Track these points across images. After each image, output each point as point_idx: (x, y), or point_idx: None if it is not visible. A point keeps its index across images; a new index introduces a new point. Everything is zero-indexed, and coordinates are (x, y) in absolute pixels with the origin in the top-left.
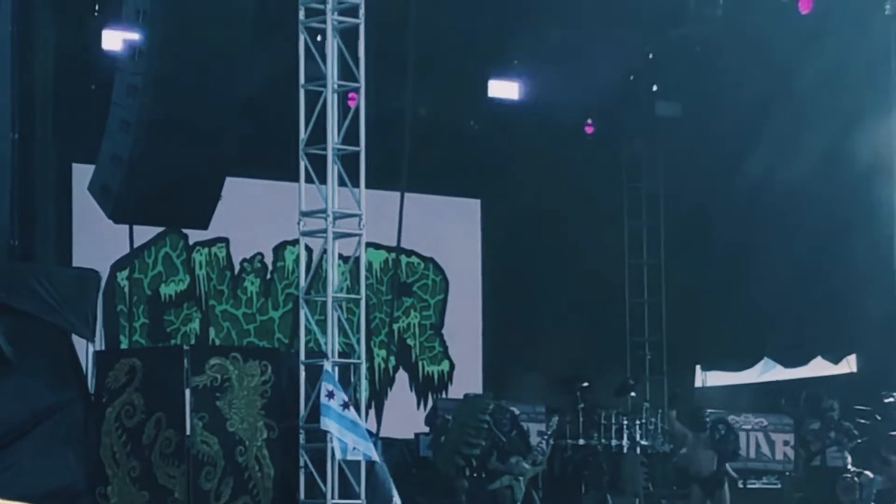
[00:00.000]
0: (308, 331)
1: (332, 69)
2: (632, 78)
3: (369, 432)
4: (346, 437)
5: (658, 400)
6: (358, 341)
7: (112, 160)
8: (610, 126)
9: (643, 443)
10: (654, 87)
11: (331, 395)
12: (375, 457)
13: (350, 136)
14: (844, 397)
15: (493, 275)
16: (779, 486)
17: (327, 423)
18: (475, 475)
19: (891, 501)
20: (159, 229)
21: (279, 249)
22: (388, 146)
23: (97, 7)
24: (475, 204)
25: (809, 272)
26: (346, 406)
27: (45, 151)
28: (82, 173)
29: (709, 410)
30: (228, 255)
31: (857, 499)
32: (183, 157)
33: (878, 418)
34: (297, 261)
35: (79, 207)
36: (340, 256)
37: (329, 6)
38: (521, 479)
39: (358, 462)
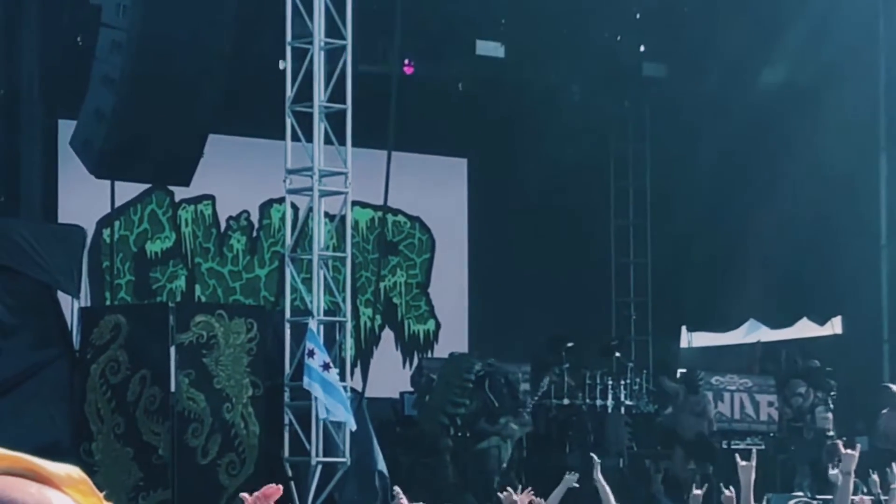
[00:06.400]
0: (294, 289)
1: (318, 26)
2: (619, 38)
3: (354, 391)
4: (326, 399)
5: (643, 360)
6: (344, 300)
7: (95, 115)
8: (596, 86)
9: (627, 403)
10: (641, 48)
11: (312, 354)
12: (352, 423)
13: (336, 94)
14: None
15: (480, 234)
16: (762, 446)
17: (310, 384)
18: (459, 434)
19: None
20: (144, 186)
21: (265, 207)
22: (375, 104)
23: None
24: (462, 163)
25: (796, 233)
26: (326, 367)
27: (31, 107)
28: (68, 129)
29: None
30: (214, 213)
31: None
32: (166, 114)
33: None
34: (283, 219)
35: (65, 163)
36: (326, 215)
37: None
38: (508, 440)
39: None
